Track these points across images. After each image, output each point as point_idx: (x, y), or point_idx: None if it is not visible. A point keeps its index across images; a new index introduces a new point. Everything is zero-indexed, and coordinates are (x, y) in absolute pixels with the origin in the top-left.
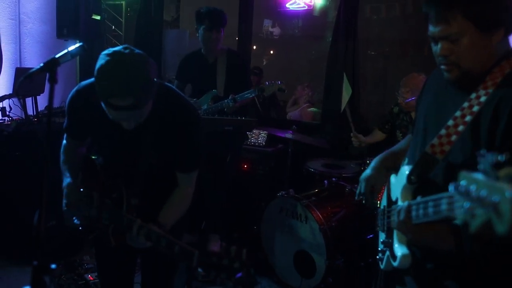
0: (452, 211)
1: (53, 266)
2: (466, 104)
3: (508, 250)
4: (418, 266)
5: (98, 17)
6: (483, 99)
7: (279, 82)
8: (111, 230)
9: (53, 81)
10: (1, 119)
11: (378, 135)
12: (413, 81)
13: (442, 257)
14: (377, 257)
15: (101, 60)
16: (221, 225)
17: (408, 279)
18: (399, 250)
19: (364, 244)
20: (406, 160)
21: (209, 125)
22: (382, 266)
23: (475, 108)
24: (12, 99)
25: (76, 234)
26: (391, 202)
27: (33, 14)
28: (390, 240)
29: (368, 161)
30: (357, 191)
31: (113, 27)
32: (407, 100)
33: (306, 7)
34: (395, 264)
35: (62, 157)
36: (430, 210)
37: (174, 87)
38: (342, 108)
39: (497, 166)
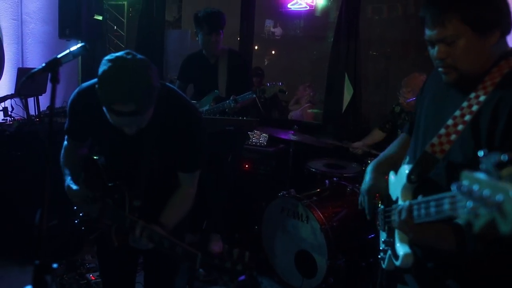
0: (454, 210)
1: (54, 265)
2: (465, 104)
3: (509, 249)
4: (419, 265)
5: (100, 18)
6: (482, 98)
7: (280, 84)
8: (114, 230)
9: (55, 81)
10: (3, 119)
11: (377, 135)
12: (414, 81)
13: (444, 257)
14: (379, 256)
15: (103, 66)
16: (223, 225)
17: (409, 278)
18: (401, 249)
19: (365, 244)
20: (407, 159)
21: (211, 125)
22: (384, 266)
23: (475, 108)
24: (14, 99)
25: (78, 234)
26: (390, 201)
27: (35, 14)
28: (391, 240)
29: (369, 161)
30: (360, 202)
31: (115, 27)
32: (408, 100)
33: (308, 8)
34: (397, 263)
35: (62, 158)
36: (432, 209)
37: (176, 87)
38: (344, 108)
39: (500, 165)
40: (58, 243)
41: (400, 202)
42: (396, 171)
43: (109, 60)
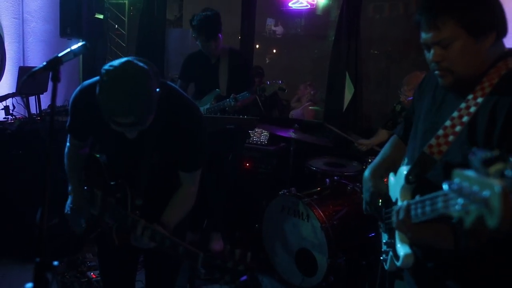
0: (447, 208)
1: (55, 263)
2: (463, 105)
3: (508, 249)
4: (419, 265)
5: (101, 16)
6: (480, 100)
7: (280, 82)
8: (115, 229)
9: (56, 79)
10: (5, 118)
11: (382, 134)
12: (416, 79)
13: (443, 257)
14: (381, 258)
15: (103, 77)
16: (223, 224)
17: (409, 278)
18: (402, 249)
19: (366, 243)
20: (406, 161)
21: (211, 124)
22: (386, 267)
23: (472, 109)
24: (16, 97)
25: (78, 233)
26: (390, 203)
27: (37, 13)
28: (392, 241)
29: (370, 160)
30: (365, 209)
31: (116, 26)
32: (409, 98)
33: (309, 6)
34: (398, 263)
35: (66, 161)
36: (428, 208)
37: (176, 86)
38: (345, 107)
39: (488, 162)
40: (59, 242)
41: (399, 203)
42: (395, 173)
43: (107, 72)
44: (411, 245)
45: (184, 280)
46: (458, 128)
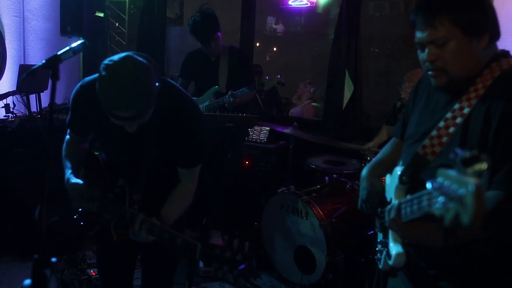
0: (430, 206)
1: (53, 259)
2: (457, 106)
3: (501, 250)
4: (412, 264)
5: (101, 14)
6: (473, 101)
7: (278, 76)
8: (113, 225)
9: (55, 77)
10: (5, 116)
11: (386, 131)
12: (417, 76)
13: (435, 256)
14: (375, 257)
15: (102, 71)
16: (222, 222)
17: (403, 277)
18: (394, 248)
19: (365, 241)
20: (401, 162)
21: (210, 121)
22: (380, 266)
23: (466, 110)
24: (16, 96)
25: (78, 230)
26: (386, 203)
27: (37, 11)
28: (386, 240)
29: (369, 158)
30: (360, 208)
31: (116, 24)
32: None
33: (309, 4)
34: (390, 262)
35: (64, 151)
36: (415, 207)
37: (176, 84)
38: (344, 105)
39: (468, 162)
40: (59, 239)
41: (393, 202)
42: (391, 173)
43: (107, 66)
44: (403, 245)
45: (183, 277)
46: (451, 129)
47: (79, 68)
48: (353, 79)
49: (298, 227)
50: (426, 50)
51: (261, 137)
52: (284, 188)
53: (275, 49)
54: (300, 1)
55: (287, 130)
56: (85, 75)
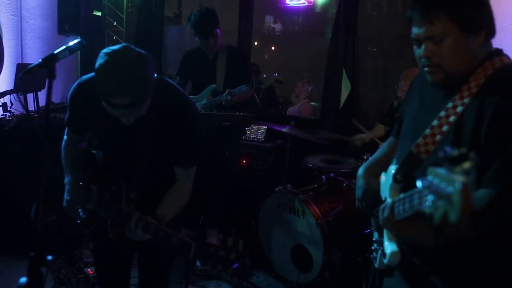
0: (421, 204)
1: (49, 257)
2: (450, 105)
3: (495, 249)
4: (407, 262)
5: (99, 13)
6: (466, 100)
7: (276, 75)
8: (109, 223)
9: (51, 76)
10: (3, 115)
11: (379, 129)
12: (413, 74)
13: (428, 255)
14: (371, 256)
15: (100, 59)
16: (219, 220)
17: (398, 275)
18: (389, 247)
19: (361, 239)
20: (395, 161)
21: (207, 121)
22: (376, 265)
23: (459, 109)
24: (13, 94)
25: (75, 229)
26: (381, 201)
27: (35, 10)
28: (381, 239)
29: (365, 157)
30: (358, 207)
31: (114, 23)
32: None
33: (307, 3)
34: (385, 261)
35: (63, 153)
36: (407, 205)
37: (174, 83)
38: (341, 104)
39: (457, 160)
40: (56, 239)
41: (387, 201)
42: (386, 172)
43: (106, 54)
44: (398, 243)
45: (180, 276)
46: (445, 128)
47: (77, 67)
48: (350, 78)
49: (295, 225)
50: (423, 46)
51: (259, 136)
52: (281, 187)
53: (273, 48)
54: (298, 0)
55: (284, 129)
56: (82, 74)
